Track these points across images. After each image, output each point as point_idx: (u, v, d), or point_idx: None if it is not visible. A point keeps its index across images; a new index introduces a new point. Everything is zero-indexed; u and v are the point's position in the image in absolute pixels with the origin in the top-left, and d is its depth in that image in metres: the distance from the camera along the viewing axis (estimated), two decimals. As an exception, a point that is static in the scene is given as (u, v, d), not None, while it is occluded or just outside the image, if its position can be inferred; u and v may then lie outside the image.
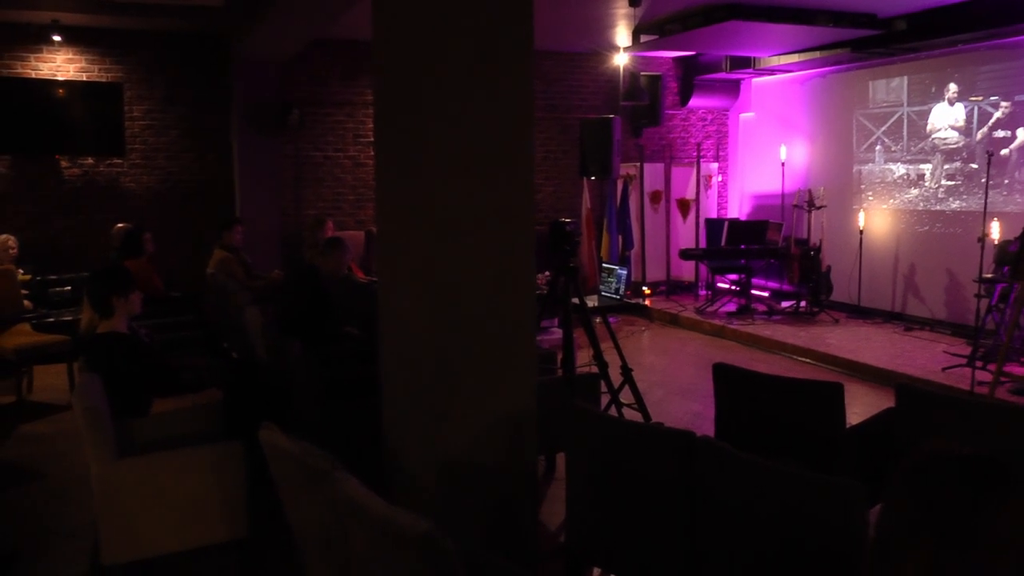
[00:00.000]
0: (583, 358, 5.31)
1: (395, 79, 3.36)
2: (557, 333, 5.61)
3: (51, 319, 7.30)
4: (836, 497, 2.53)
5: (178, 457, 3.64)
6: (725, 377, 4.14)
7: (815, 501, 2.57)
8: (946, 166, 9.21)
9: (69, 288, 8.35)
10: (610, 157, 5.65)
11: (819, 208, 10.00)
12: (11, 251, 7.92)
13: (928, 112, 9.35)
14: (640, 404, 5.47)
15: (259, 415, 3.04)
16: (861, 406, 6.05)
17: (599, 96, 11.46)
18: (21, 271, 7.75)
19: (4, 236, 7.99)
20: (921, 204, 9.50)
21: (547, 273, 6.29)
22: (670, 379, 7.48)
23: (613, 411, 5.31)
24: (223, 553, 3.84)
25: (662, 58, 11.60)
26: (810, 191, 10.13)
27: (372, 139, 9.66)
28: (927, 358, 7.74)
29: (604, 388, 5.21)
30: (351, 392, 4.40)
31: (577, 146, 5.88)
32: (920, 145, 9.47)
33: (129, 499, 3.45)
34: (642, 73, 10.89)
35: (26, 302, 7.30)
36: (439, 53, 3.14)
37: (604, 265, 7.50)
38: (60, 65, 9.32)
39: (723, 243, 10.55)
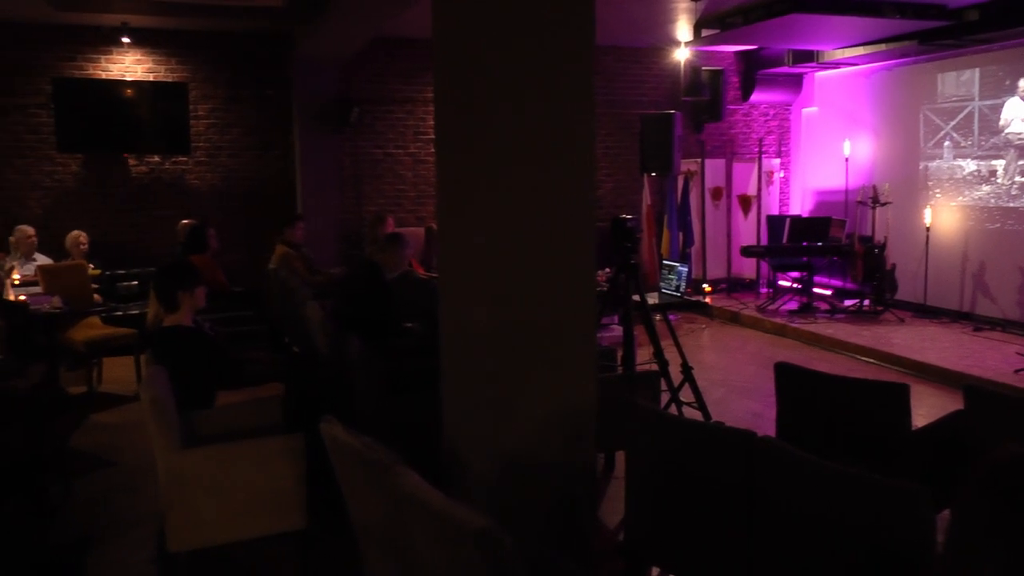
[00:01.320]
0: (643, 356, 5.28)
1: (455, 76, 3.37)
2: (617, 330, 5.57)
3: (119, 313, 7.49)
4: (902, 501, 2.46)
5: (241, 449, 3.70)
6: (787, 376, 4.07)
7: (880, 505, 2.51)
8: (1020, 162, 8.93)
9: (136, 283, 8.56)
10: (671, 153, 5.58)
11: (884, 205, 9.77)
12: (82, 246, 8.16)
13: (1001, 106, 9.06)
14: (700, 403, 5.41)
15: (320, 408, 3.08)
16: (927, 408, 5.90)
17: (660, 91, 11.36)
18: (91, 266, 7.96)
19: (76, 232, 8.23)
20: (993, 201, 9.23)
21: (608, 270, 6.26)
22: (730, 378, 7.39)
23: (673, 409, 5.26)
24: (284, 543, 3.91)
25: (723, 52, 11.45)
26: (875, 187, 9.91)
27: (433, 136, 9.72)
28: (998, 359, 7.51)
29: (664, 386, 5.17)
30: (411, 387, 4.43)
31: (637, 142, 5.82)
32: (992, 140, 9.19)
33: (193, 488, 3.53)
34: (703, 68, 10.78)
35: (96, 296, 7.49)
36: (500, 50, 3.13)
37: (664, 262, 7.43)
38: (129, 66, 9.56)
39: (785, 240, 10.38)
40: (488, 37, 3.14)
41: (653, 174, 6.40)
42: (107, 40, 9.40)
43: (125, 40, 9.41)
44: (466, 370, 3.38)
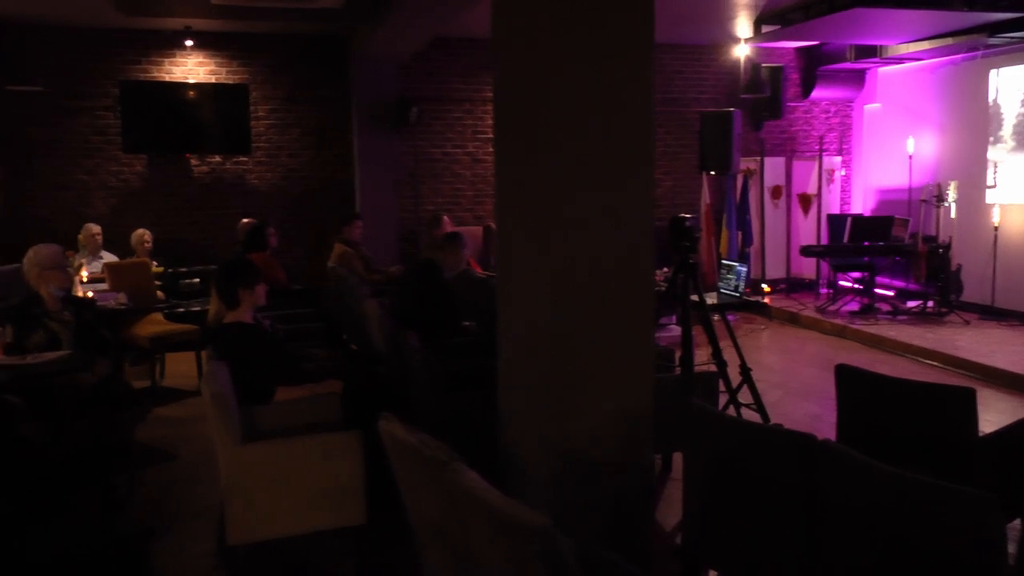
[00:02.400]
0: (701, 356, 5.21)
1: (514, 75, 3.37)
2: (675, 330, 5.53)
3: (181, 309, 7.65)
4: (970, 509, 2.39)
5: (300, 444, 3.75)
6: (848, 379, 3.98)
7: (945, 512, 2.44)
8: (1093, 158, 8.63)
9: (198, 280, 8.72)
10: (730, 151, 5.51)
11: (949, 203, 9.52)
12: (146, 244, 8.35)
13: (1074, 101, 8.77)
14: (759, 404, 5.33)
15: (378, 406, 3.10)
16: (995, 414, 5.73)
17: (719, 89, 11.24)
18: (155, 263, 8.14)
19: (140, 231, 8.43)
20: (1064, 199, 8.93)
21: (666, 269, 6.20)
22: (789, 379, 7.27)
23: (731, 411, 5.20)
24: (341, 538, 3.95)
25: (783, 49, 11.28)
26: (939, 186, 9.67)
27: (491, 135, 9.74)
28: (1070, 363, 7.27)
29: (722, 387, 5.10)
30: (469, 385, 4.44)
31: (696, 140, 5.76)
32: (1064, 136, 8.90)
33: (253, 482, 3.58)
34: (763, 65, 10.64)
35: (159, 293, 7.67)
36: (558, 48, 3.12)
37: (723, 262, 7.35)
38: (191, 68, 9.76)
39: (846, 240, 10.18)
40: (547, 36, 3.13)
41: (712, 172, 6.33)
42: (171, 44, 9.62)
43: (188, 43, 9.62)
44: (524, 369, 3.39)
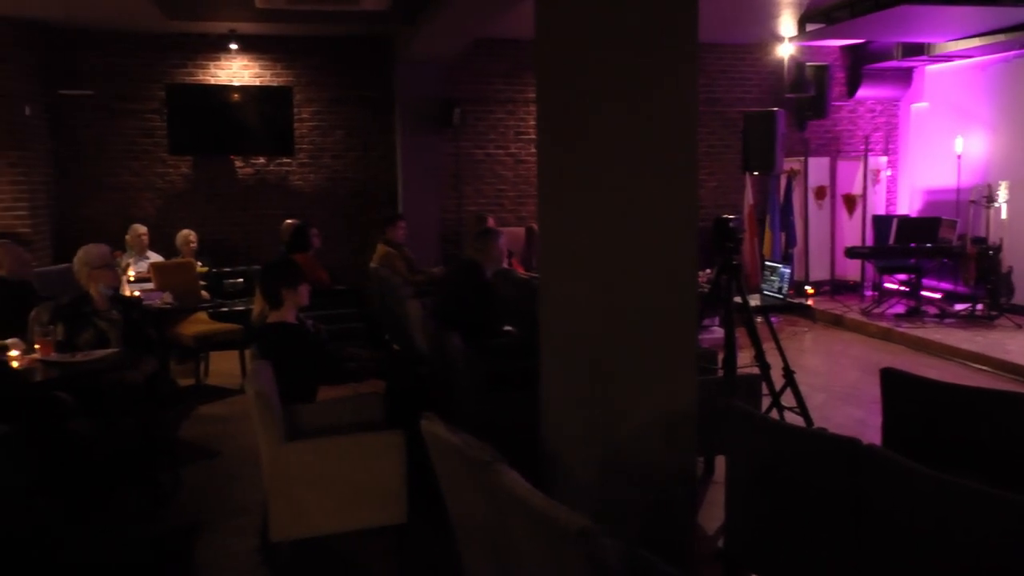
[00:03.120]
0: (744, 358, 5.16)
1: (557, 76, 3.36)
2: (718, 332, 5.48)
3: (225, 309, 7.74)
4: (1020, 517, 2.33)
5: (342, 443, 3.78)
6: (894, 383, 3.91)
7: (999, 521, 2.38)
8: None
9: (242, 280, 8.82)
10: (773, 151, 5.44)
11: (1000, 204, 9.32)
12: (192, 244, 8.46)
13: None
14: (802, 408, 5.26)
15: (420, 405, 3.11)
16: (1048, 418, 5.59)
17: (762, 89, 11.13)
18: (199, 263, 8.26)
19: (186, 231, 8.55)
20: (1120, 200, 8.70)
21: (709, 271, 6.15)
22: (832, 383, 7.17)
23: (774, 414, 5.14)
24: (383, 537, 3.97)
25: (828, 47, 11.13)
26: (989, 186, 9.46)
27: (533, 136, 9.74)
28: None
29: (765, 390, 5.05)
30: (511, 385, 4.44)
31: (739, 140, 5.70)
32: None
33: (296, 480, 3.61)
34: (807, 64, 10.50)
35: (203, 293, 7.77)
36: (602, 50, 3.11)
37: (766, 263, 7.27)
38: (236, 71, 9.89)
39: (891, 241, 10.01)
40: (590, 37, 3.12)
41: (755, 173, 6.26)
42: (216, 47, 9.75)
43: (233, 47, 9.76)
44: (566, 371, 3.38)
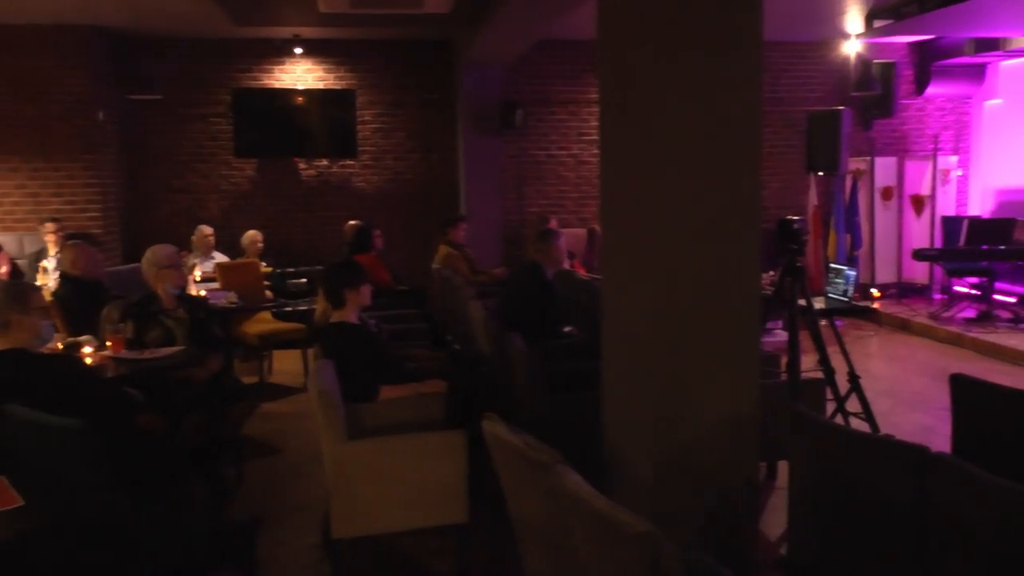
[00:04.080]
0: (808, 363, 5.08)
1: (619, 77, 3.35)
2: (782, 335, 5.39)
3: (289, 308, 7.85)
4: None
5: (404, 442, 3.81)
6: (965, 390, 3.79)
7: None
8: None
9: (305, 280, 8.96)
10: (838, 151, 5.33)
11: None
12: (258, 245, 8.62)
13: None
14: (867, 414, 5.15)
15: (481, 406, 3.12)
16: None
17: (827, 87, 10.92)
18: (263, 264, 8.41)
19: (253, 232, 8.72)
20: None
21: (772, 273, 6.06)
22: (898, 388, 7.00)
23: (838, 419, 5.04)
24: (443, 536, 4.00)
25: (895, 44, 10.87)
26: (1068, 186, 9.16)
27: (595, 137, 9.72)
28: None
29: (829, 395, 4.96)
30: (572, 387, 4.43)
31: (804, 140, 5.60)
32: None
33: (357, 479, 3.65)
34: (874, 61, 10.28)
35: (267, 292, 7.91)
36: (664, 49, 3.09)
37: (831, 265, 7.12)
38: (300, 75, 10.07)
39: (962, 243, 9.74)
40: (653, 38, 3.10)
41: (820, 173, 6.15)
42: (280, 52, 9.94)
43: (297, 51, 9.94)
44: (628, 373, 3.37)
